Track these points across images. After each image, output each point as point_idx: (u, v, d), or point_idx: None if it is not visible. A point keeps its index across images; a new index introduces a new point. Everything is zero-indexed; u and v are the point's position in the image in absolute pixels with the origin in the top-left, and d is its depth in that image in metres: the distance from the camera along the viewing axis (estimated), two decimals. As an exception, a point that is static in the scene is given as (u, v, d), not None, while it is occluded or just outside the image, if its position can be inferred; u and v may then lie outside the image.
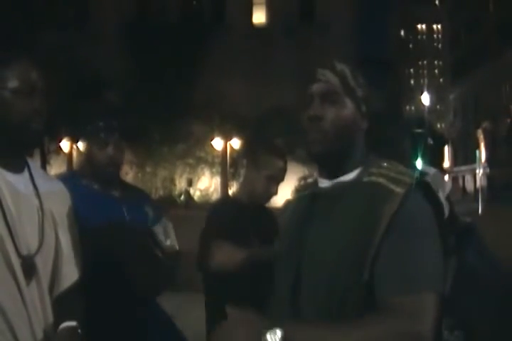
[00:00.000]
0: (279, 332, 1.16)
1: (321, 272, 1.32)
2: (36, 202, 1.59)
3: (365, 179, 1.36)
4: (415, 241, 1.26)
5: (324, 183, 1.44)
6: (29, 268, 1.52)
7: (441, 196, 2.80)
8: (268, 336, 1.15)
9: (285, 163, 2.51)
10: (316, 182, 1.48)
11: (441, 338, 1.32)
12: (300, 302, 1.36)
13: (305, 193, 1.52)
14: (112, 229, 2.15)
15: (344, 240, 1.30)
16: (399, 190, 1.30)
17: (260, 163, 2.46)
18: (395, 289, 1.23)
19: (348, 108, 1.40)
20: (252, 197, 2.47)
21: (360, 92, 1.42)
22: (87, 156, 2.23)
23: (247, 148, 2.80)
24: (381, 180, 1.33)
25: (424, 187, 1.34)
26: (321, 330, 1.21)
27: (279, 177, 2.49)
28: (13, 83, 1.54)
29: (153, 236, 2.20)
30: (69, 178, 2.19)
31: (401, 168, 1.38)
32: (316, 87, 1.41)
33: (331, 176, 1.42)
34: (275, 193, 2.50)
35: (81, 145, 2.36)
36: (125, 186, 2.37)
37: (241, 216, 2.39)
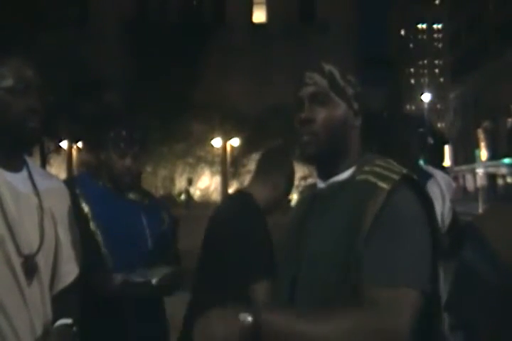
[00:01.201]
0: (249, 317, 1.15)
1: (316, 273, 1.32)
2: (35, 200, 1.59)
3: (358, 177, 1.36)
4: (399, 237, 1.25)
5: (321, 184, 1.45)
6: (31, 267, 1.52)
7: (447, 198, 2.77)
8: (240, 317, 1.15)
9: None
10: (315, 183, 1.49)
11: (441, 338, 1.32)
12: (297, 302, 1.36)
13: (306, 195, 1.54)
14: (128, 231, 2.16)
15: (335, 240, 1.30)
16: (384, 185, 1.29)
17: (279, 171, 2.42)
18: (373, 281, 1.22)
19: (339, 108, 1.40)
20: (268, 204, 2.41)
21: (351, 90, 1.42)
22: (105, 163, 2.22)
23: (266, 157, 2.62)
24: (370, 177, 1.33)
25: (412, 183, 1.33)
26: (292, 319, 1.20)
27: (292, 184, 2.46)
28: (7, 82, 1.54)
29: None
30: (85, 179, 2.22)
31: (395, 166, 1.38)
32: (304, 90, 1.42)
33: (327, 176, 1.43)
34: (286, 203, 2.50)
35: (89, 148, 2.34)
36: (142, 191, 2.37)
37: (253, 221, 2.36)
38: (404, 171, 1.34)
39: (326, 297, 1.29)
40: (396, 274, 1.21)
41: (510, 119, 39.27)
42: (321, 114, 1.39)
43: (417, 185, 1.34)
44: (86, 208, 2.08)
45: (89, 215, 2.06)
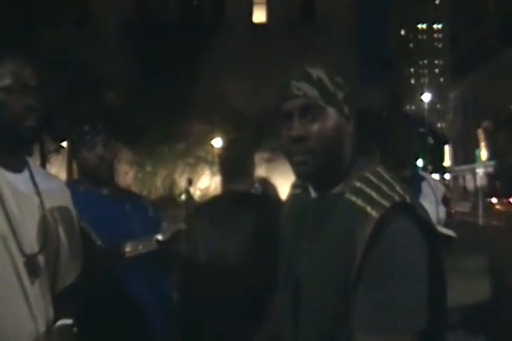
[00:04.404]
0: None
1: (314, 288, 1.27)
2: (37, 200, 1.59)
3: (347, 195, 1.25)
4: (390, 274, 1.16)
5: (313, 194, 1.37)
6: (33, 267, 1.52)
7: (439, 198, 2.86)
8: None
9: None
10: (308, 189, 1.41)
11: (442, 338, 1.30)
12: (299, 314, 1.32)
13: (298, 203, 1.45)
14: (118, 224, 2.20)
15: (328, 261, 1.24)
16: (374, 214, 1.18)
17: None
18: (367, 326, 1.16)
19: (332, 118, 1.29)
20: None
21: (341, 94, 1.31)
22: (79, 160, 2.29)
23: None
24: (359, 201, 1.22)
25: (405, 209, 1.20)
26: None
27: None
28: (5, 81, 1.54)
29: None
30: (70, 186, 2.23)
31: (386, 182, 1.25)
32: (293, 104, 1.29)
33: (319, 187, 1.34)
34: None
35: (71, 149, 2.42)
36: (117, 186, 2.43)
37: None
38: (396, 197, 1.21)
39: (323, 312, 1.24)
40: (392, 319, 1.14)
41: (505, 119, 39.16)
42: (314, 130, 1.27)
43: (410, 210, 1.20)
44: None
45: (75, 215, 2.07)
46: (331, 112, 1.29)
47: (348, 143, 1.32)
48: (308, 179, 1.36)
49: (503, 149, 1.90)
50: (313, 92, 1.28)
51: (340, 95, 1.31)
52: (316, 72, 1.30)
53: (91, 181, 2.28)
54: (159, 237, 2.10)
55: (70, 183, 2.45)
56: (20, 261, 1.49)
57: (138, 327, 2.17)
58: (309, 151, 1.28)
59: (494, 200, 24.19)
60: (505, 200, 22.45)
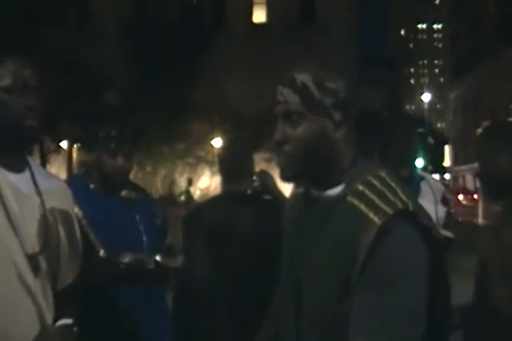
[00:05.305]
0: None
1: (315, 288, 1.27)
2: (38, 200, 1.59)
3: (349, 198, 1.25)
4: (390, 280, 1.16)
5: (314, 193, 1.36)
6: (34, 266, 1.53)
7: (438, 198, 2.87)
8: None
9: None
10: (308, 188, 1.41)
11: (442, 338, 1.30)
12: (300, 314, 1.32)
13: (300, 197, 1.45)
14: (122, 230, 2.17)
15: (329, 262, 1.24)
16: (376, 220, 1.17)
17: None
18: (365, 330, 1.16)
19: (315, 124, 1.28)
20: None
21: (330, 100, 1.28)
22: (96, 163, 2.22)
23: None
24: (362, 206, 1.21)
25: (408, 218, 1.19)
26: None
27: None
28: (5, 81, 1.54)
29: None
30: (75, 182, 2.20)
31: (388, 189, 1.24)
32: (278, 109, 1.32)
33: (318, 187, 1.34)
34: None
35: (84, 147, 2.38)
36: (133, 187, 2.37)
37: None
38: (399, 204, 1.20)
39: (324, 314, 1.24)
40: (385, 323, 1.14)
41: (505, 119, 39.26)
42: (293, 135, 1.29)
43: (413, 218, 1.20)
44: (76, 210, 2.07)
45: (80, 218, 2.03)
46: (314, 118, 1.28)
47: (338, 148, 1.31)
48: (288, 181, 1.37)
49: (484, 156, 1.92)
50: (294, 99, 1.28)
51: (327, 101, 1.28)
52: (302, 78, 1.29)
53: (103, 182, 2.23)
54: (158, 258, 2.05)
55: (77, 177, 2.42)
56: (22, 260, 1.49)
57: (133, 329, 2.16)
58: (287, 155, 1.30)
59: (461, 197, 27.86)
60: (469, 197, 26.09)
